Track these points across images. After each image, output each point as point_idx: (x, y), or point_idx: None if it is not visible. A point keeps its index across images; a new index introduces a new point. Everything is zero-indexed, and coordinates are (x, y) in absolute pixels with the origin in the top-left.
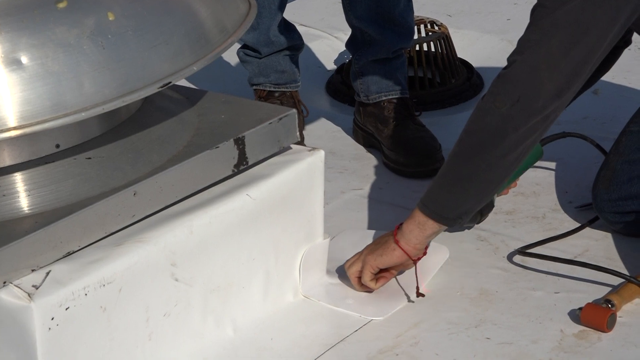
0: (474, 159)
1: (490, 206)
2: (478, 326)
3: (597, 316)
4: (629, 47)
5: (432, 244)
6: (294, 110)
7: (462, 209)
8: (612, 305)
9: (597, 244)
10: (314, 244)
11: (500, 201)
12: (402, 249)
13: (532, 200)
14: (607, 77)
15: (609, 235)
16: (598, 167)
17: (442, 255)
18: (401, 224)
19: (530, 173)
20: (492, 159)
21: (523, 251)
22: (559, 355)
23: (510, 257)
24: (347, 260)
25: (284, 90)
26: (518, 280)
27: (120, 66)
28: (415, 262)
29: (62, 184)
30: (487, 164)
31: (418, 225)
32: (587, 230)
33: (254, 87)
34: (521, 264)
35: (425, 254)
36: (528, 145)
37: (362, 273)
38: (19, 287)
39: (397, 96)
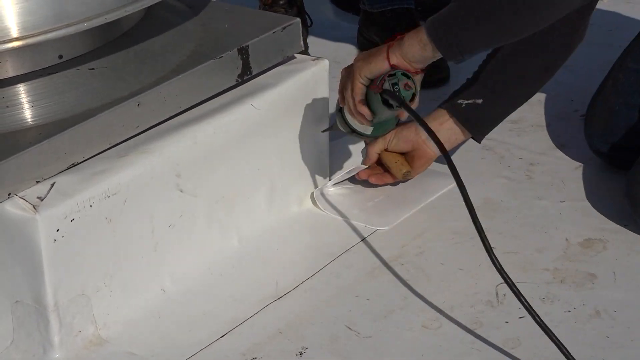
0: None
1: None
2: None
3: None
4: None
5: (438, 172)
6: (298, 19)
7: (466, 46)
8: None
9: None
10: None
11: None
12: (388, 58)
13: (537, 108)
14: None
15: None
16: (603, 75)
17: (446, 182)
18: (402, 37)
19: None
20: (521, 4)
21: None
22: (564, 265)
23: (515, 166)
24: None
25: None
26: (523, 189)
27: None
28: (416, 73)
29: (65, 95)
30: (514, 8)
31: (419, 42)
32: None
33: None
34: (526, 173)
35: (422, 71)
36: (563, 6)
37: (351, 83)
38: (24, 199)
39: (402, 6)
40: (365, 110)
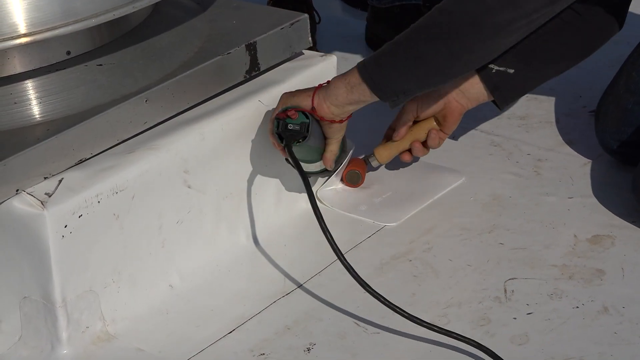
0: (436, 41)
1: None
2: (491, 231)
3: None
4: None
5: (446, 168)
6: (306, 15)
7: (401, 88)
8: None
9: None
10: None
11: (513, 106)
12: (313, 99)
13: (545, 105)
14: None
15: None
16: (611, 71)
17: (455, 178)
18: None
19: None
20: (456, 48)
21: None
22: (572, 261)
23: (523, 162)
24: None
25: None
26: (531, 185)
27: None
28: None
29: (73, 91)
30: (449, 52)
31: (347, 85)
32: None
33: None
34: (534, 169)
35: (341, 121)
36: (497, 48)
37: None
38: (32, 195)
39: (409, 2)
40: (272, 139)
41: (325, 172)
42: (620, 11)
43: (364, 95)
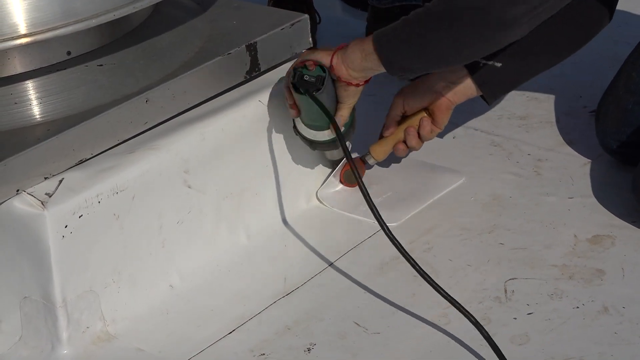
0: (441, 28)
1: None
2: (491, 232)
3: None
4: None
5: (446, 168)
6: (307, 16)
7: (408, 65)
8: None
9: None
10: None
11: (513, 106)
12: (332, 58)
13: (545, 105)
14: None
15: None
16: (611, 71)
17: (455, 179)
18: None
19: (543, 77)
20: (459, 39)
21: None
22: (572, 261)
23: (523, 162)
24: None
25: None
26: (531, 185)
27: None
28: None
29: (73, 91)
30: (452, 41)
31: (362, 52)
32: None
33: None
34: (534, 169)
35: (357, 85)
36: (500, 42)
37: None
38: (32, 195)
39: (409, 2)
40: (286, 92)
41: (332, 146)
42: (611, 3)
43: (376, 65)
